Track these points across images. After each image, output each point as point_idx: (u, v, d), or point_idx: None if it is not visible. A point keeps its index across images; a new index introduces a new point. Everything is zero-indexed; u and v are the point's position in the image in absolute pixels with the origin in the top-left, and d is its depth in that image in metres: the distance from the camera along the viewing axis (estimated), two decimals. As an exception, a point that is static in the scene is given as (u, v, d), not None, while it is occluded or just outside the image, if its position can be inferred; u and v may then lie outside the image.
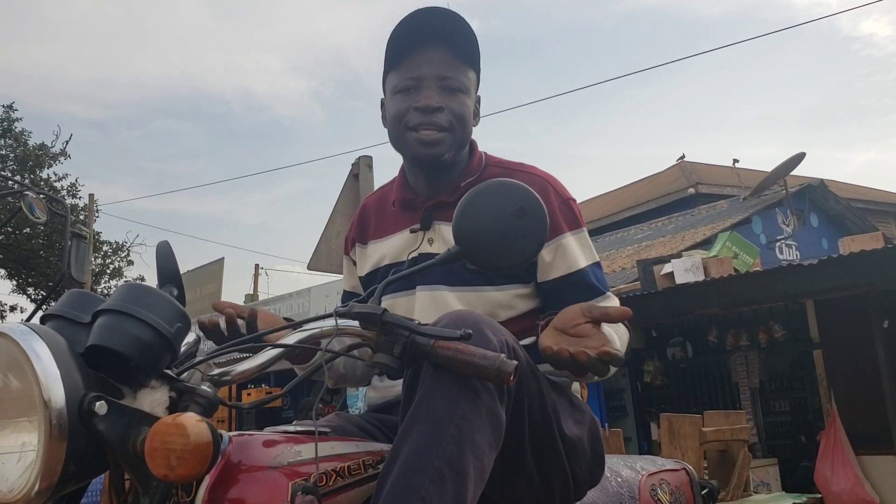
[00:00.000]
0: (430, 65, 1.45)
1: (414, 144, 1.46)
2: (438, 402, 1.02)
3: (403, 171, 1.57)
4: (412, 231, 1.51)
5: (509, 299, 1.43)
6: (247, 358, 1.10)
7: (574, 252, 1.45)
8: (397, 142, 1.51)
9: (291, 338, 1.10)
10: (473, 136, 1.56)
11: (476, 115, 1.55)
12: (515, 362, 0.99)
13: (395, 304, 1.47)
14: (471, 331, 1.01)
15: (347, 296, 1.69)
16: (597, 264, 1.49)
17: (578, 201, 1.54)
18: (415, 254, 1.49)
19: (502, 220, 1.11)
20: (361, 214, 1.67)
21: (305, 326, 1.11)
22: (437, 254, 1.38)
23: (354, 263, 1.66)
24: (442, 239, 1.47)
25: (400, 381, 1.43)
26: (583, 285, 1.44)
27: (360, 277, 1.63)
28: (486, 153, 1.57)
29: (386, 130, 1.53)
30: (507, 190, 1.13)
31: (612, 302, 1.46)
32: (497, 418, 1.07)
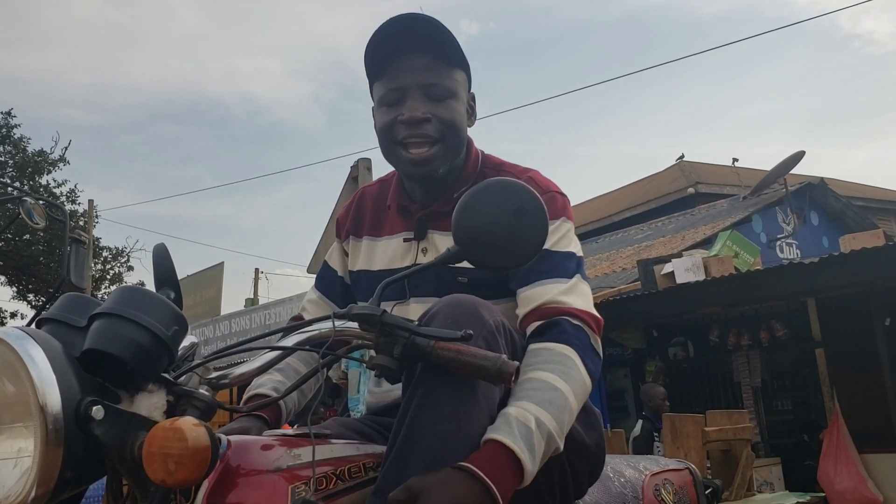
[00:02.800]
0: (413, 73, 1.39)
1: (405, 164, 1.41)
2: (437, 384, 1.03)
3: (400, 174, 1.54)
4: (406, 240, 1.48)
5: (503, 313, 1.39)
6: (245, 361, 1.09)
7: None
8: (387, 155, 1.46)
9: (289, 340, 1.09)
10: (471, 136, 1.52)
11: (471, 114, 1.50)
12: (517, 363, 0.98)
13: None
14: (471, 331, 1.00)
15: (334, 281, 1.63)
16: (568, 254, 1.36)
17: (579, 202, 1.50)
18: (409, 264, 1.45)
19: (502, 220, 1.09)
20: (359, 204, 1.62)
21: (303, 329, 1.10)
22: None
23: (347, 254, 1.61)
24: (436, 249, 1.44)
25: (398, 386, 1.42)
26: (531, 268, 1.30)
27: (351, 271, 1.59)
28: (483, 153, 1.53)
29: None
30: (507, 189, 1.11)
31: (574, 287, 1.32)
32: (493, 403, 1.08)
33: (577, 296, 1.30)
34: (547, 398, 1.13)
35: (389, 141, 1.42)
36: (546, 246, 1.31)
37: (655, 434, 5.88)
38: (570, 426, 1.17)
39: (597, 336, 1.28)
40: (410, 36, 1.38)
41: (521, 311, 1.31)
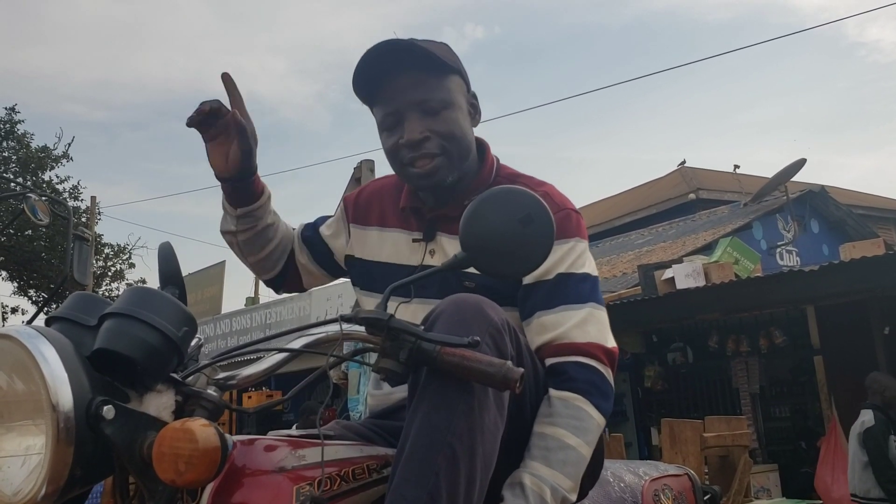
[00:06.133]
0: (404, 92, 1.40)
1: (415, 179, 1.44)
2: (447, 384, 1.03)
3: None
4: (415, 240, 1.49)
5: None
6: (252, 362, 1.11)
7: (555, 258, 1.34)
8: (399, 175, 1.50)
9: (297, 342, 1.10)
10: (487, 141, 1.52)
11: (474, 114, 1.50)
12: (522, 370, 0.99)
13: None
14: (478, 338, 1.02)
15: (316, 238, 1.64)
16: (583, 276, 1.37)
17: (579, 206, 1.50)
18: (416, 264, 1.46)
19: (509, 227, 1.11)
20: (373, 193, 1.62)
21: (310, 331, 1.11)
22: None
23: (349, 234, 1.60)
24: (443, 251, 1.45)
25: (399, 388, 1.43)
26: (547, 293, 1.34)
27: (347, 255, 1.59)
28: (499, 163, 1.53)
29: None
30: (514, 197, 1.13)
31: (588, 317, 1.33)
32: (501, 398, 1.09)
33: (592, 326, 1.33)
34: (560, 458, 1.20)
35: (397, 163, 1.46)
36: (562, 269, 1.35)
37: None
38: (583, 473, 1.24)
39: (609, 370, 1.32)
40: (393, 57, 1.40)
41: (536, 341, 1.33)
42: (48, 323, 1.04)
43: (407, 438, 1.03)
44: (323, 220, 1.68)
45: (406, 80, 1.40)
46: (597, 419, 1.27)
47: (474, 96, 1.52)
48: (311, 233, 1.66)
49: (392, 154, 1.45)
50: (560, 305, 1.33)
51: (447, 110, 1.42)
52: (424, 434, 1.02)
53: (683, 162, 15.54)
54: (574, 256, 1.38)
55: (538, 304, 1.35)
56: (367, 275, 1.55)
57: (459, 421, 1.02)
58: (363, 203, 1.61)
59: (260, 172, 1.51)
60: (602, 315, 1.37)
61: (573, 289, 1.35)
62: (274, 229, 1.59)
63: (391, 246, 1.52)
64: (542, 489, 1.16)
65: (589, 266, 1.40)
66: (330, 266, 1.65)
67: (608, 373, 1.32)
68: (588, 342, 1.31)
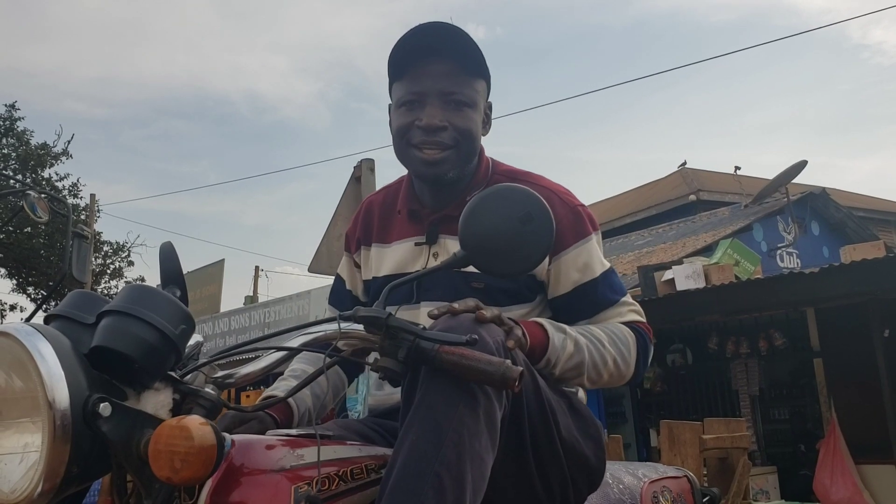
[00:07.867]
0: (434, 79, 1.41)
1: (417, 164, 1.43)
2: (437, 405, 1.02)
3: (410, 179, 1.55)
4: (417, 244, 1.49)
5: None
6: (250, 361, 1.10)
7: (579, 265, 1.42)
8: (401, 156, 1.48)
9: (295, 341, 1.10)
10: (489, 140, 1.54)
11: (486, 123, 1.52)
12: (521, 368, 0.98)
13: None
14: (476, 336, 1.01)
15: (343, 295, 1.66)
16: (609, 271, 1.47)
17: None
18: (420, 267, 1.46)
19: (509, 226, 1.10)
20: (366, 214, 1.62)
21: (309, 329, 1.10)
22: None
23: (357, 266, 1.62)
24: (447, 253, 1.44)
25: (399, 389, 1.43)
26: (591, 299, 1.42)
27: (364, 281, 1.61)
28: (493, 160, 1.54)
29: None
30: (514, 195, 1.12)
31: (626, 309, 1.44)
32: (493, 422, 1.07)
33: (637, 313, 1.46)
34: (589, 338, 1.33)
35: (404, 143, 1.45)
36: (594, 275, 1.44)
37: None
38: (596, 372, 1.34)
39: (651, 345, 1.46)
40: (436, 42, 1.40)
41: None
42: (47, 321, 1.04)
43: (394, 466, 1.01)
44: (340, 285, 1.67)
45: (440, 68, 1.41)
46: (630, 364, 1.39)
47: (490, 107, 1.53)
48: (334, 297, 1.68)
49: (402, 133, 1.44)
50: (613, 303, 1.45)
51: (469, 108, 1.43)
52: (412, 463, 1.00)
53: (684, 163, 15.52)
54: (597, 252, 1.49)
55: (594, 309, 1.43)
56: (374, 295, 1.54)
57: (448, 450, 1.00)
58: (361, 226, 1.62)
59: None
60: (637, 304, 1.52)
61: (615, 283, 1.48)
62: (323, 390, 1.54)
63: (392, 257, 1.52)
64: (564, 328, 1.31)
65: (602, 258, 1.50)
66: None
67: (651, 347, 1.45)
68: (644, 323, 1.46)
